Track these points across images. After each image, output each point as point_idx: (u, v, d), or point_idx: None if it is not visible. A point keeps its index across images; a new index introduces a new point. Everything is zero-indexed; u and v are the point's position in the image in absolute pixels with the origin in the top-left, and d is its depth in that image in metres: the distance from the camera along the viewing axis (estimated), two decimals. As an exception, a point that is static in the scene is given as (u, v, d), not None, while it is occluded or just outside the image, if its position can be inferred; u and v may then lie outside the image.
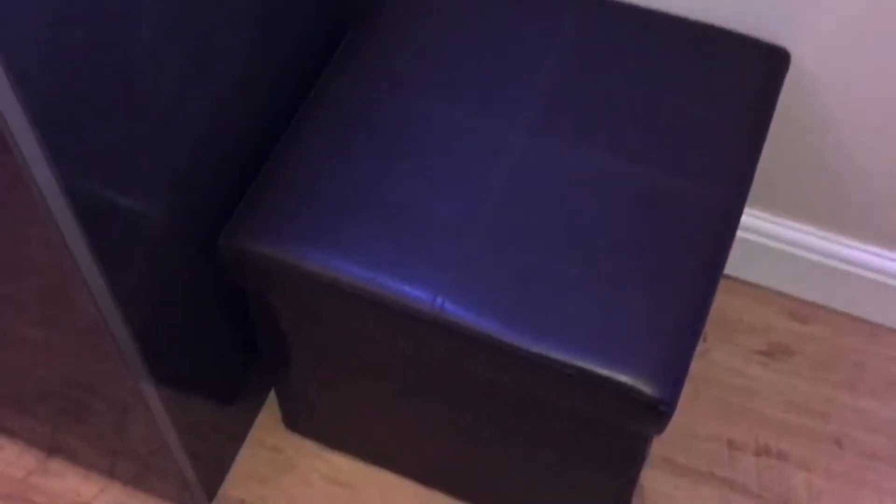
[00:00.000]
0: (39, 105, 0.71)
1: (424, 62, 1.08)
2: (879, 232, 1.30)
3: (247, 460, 1.30)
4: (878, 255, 1.33)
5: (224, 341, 1.17)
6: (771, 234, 1.36)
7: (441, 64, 1.08)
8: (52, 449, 1.29)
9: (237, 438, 1.30)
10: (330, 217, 0.98)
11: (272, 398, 1.33)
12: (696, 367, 1.37)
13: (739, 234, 1.35)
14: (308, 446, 1.31)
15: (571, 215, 0.98)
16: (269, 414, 1.33)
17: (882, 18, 1.07)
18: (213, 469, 1.26)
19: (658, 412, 0.91)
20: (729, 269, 1.42)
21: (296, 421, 1.30)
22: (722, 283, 1.41)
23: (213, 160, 0.99)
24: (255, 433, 1.32)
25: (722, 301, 1.41)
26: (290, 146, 1.03)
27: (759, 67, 1.10)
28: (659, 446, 1.31)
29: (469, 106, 1.05)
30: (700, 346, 1.38)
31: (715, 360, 1.38)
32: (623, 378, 0.91)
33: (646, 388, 0.91)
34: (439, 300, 0.94)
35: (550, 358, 0.92)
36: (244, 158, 1.04)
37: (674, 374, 0.92)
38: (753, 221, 1.35)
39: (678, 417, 1.33)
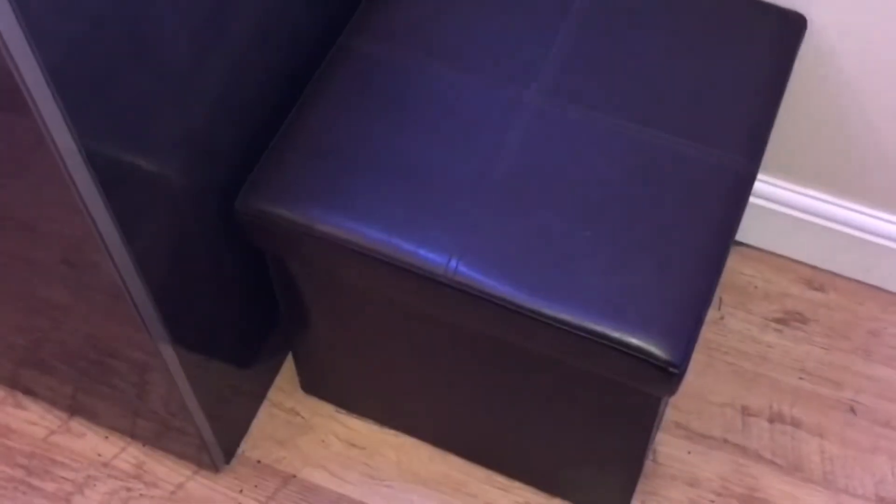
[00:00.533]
0: (57, 64, 0.72)
1: (442, 23, 1.08)
2: (895, 199, 1.30)
3: (264, 422, 1.32)
4: (894, 223, 1.33)
5: (242, 304, 1.18)
6: (788, 202, 1.36)
7: (458, 25, 1.08)
8: (74, 409, 1.31)
9: (255, 400, 1.32)
10: (346, 179, 0.99)
11: (290, 361, 1.35)
12: (710, 333, 1.37)
13: (757, 201, 1.35)
14: (325, 409, 1.33)
15: (585, 178, 0.99)
16: (287, 377, 1.35)
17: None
18: (231, 430, 1.28)
19: (669, 374, 0.92)
20: (745, 237, 1.42)
21: (313, 383, 1.32)
22: (738, 251, 1.42)
23: (232, 120, 1.00)
24: (272, 395, 1.34)
25: (738, 268, 1.42)
26: (307, 107, 1.04)
27: (775, 33, 1.10)
28: (673, 412, 1.32)
29: (485, 68, 1.05)
30: (715, 313, 1.39)
31: (730, 327, 1.38)
32: (634, 340, 0.92)
33: (657, 350, 0.92)
34: (453, 262, 0.95)
35: (562, 320, 0.93)
36: (263, 119, 1.05)
37: (685, 336, 0.93)
38: (771, 189, 1.35)
39: (692, 383, 1.34)
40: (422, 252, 0.95)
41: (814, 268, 1.41)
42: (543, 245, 0.96)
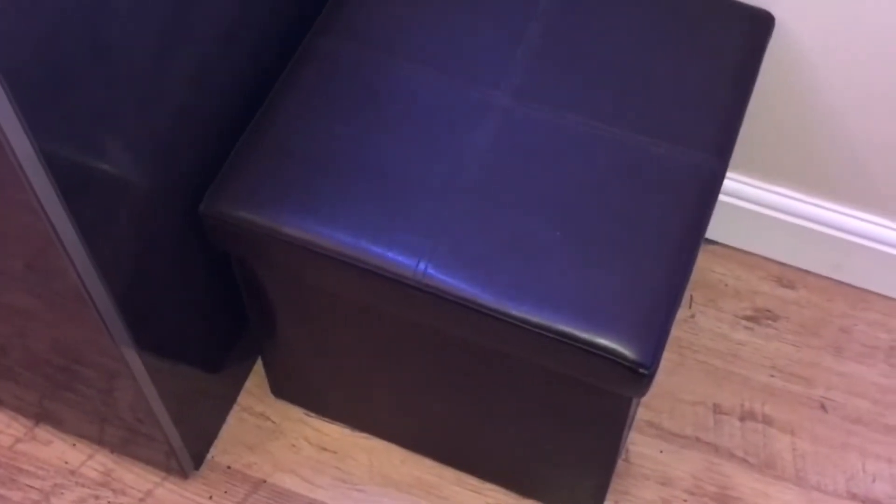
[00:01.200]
0: (12, 68, 0.70)
1: (409, 24, 1.07)
2: (864, 196, 1.30)
3: (234, 427, 1.31)
4: (864, 220, 1.33)
5: (210, 308, 1.17)
6: (757, 200, 1.36)
7: (425, 25, 1.07)
8: (40, 416, 1.29)
9: (224, 405, 1.30)
10: (312, 181, 0.98)
11: (259, 365, 1.34)
12: (681, 332, 1.37)
13: (726, 199, 1.35)
14: (295, 413, 1.32)
15: (555, 179, 0.98)
16: (257, 381, 1.33)
17: (866, -19, 1.07)
18: (200, 436, 1.26)
19: (639, 375, 0.91)
20: (715, 235, 1.42)
21: (283, 388, 1.30)
22: (708, 249, 1.42)
23: (196, 123, 0.99)
24: (242, 400, 1.33)
25: (708, 267, 1.42)
26: (272, 109, 1.03)
27: (743, 31, 1.10)
28: (644, 411, 1.32)
29: (453, 69, 1.04)
30: (686, 312, 1.39)
31: (701, 325, 1.38)
32: (603, 341, 0.92)
33: (626, 350, 0.91)
34: (422, 265, 0.94)
35: (531, 321, 0.92)
36: (228, 121, 1.03)
37: (654, 337, 0.92)
38: (740, 187, 1.35)
39: (664, 382, 1.34)
40: (390, 255, 0.95)
41: (784, 265, 1.41)
42: (513, 246, 0.95)
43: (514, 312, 0.92)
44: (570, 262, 0.94)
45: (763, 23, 1.11)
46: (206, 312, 1.17)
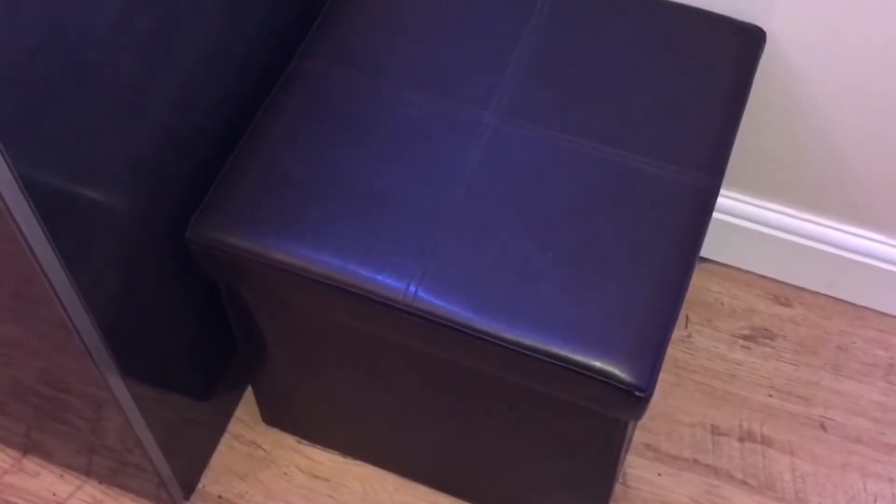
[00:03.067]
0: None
1: (395, 45, 1.06)
2: (860, 212, 1.29)
3: (224, 456, 1.29)
4: (859, 236, 1.31)
5: (198, 335, 1.15)
6: (752, 217, 1.34)
7: (412, 47, 1.06)
8: (27, 447, 1.27)
9: (214, 434, 1.28)
10: (299, 204, 0.97)
11: (250, 392, 1.32)
12: (678, 352, 1.35)
13: (721, 217, 1.34)
14: (286, 441, 1.29)
15: (545, 199, 0.97)
16: (247, 408, 1.31)
17: (857, -5, 1.06)
18: (190, 465, 1.24)
19: (635, 398, 0.90)
20: (711, 253, 1.40)
21: (273, 415, 1.28)
22: (704, 267, 1.40)
23: (180, 147, 0.97)
24: (232, 428, 1.30)
25: (704, 285, 1.40)
26: (258, 133, 1.01)
27: (734, 46, 1.08)
28: (642, 433, 1.30)
29: (441, 89, 1.03)
30: (682, 332, 1.37)
31: (697, 345, 1.36)
32: (598, 364, 0.90)
33: (622, 373, 0.89)
34: (412, 288, 0.92)
35: (524, 344, 0.90)
36: (214, 145, 1.02)
37: (650, 359, 0.90)
38: (735, 204, 1.33)
39: (661, 403, 1.32)
40: (379, 278, 0.93)
41: (780, 282, 1.40)
42: (504, 268, 0.93)
43: (507, 335, 0.91)
44: (562, 284, 0.93)
45: (754, 38, 1.10)
46: (193, 339, 1.15)
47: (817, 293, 1.39)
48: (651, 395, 0.90)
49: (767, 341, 1.37)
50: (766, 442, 1.30)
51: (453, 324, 0.91)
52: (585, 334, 0.91)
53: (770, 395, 1.33)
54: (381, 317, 0.94)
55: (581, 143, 1.00)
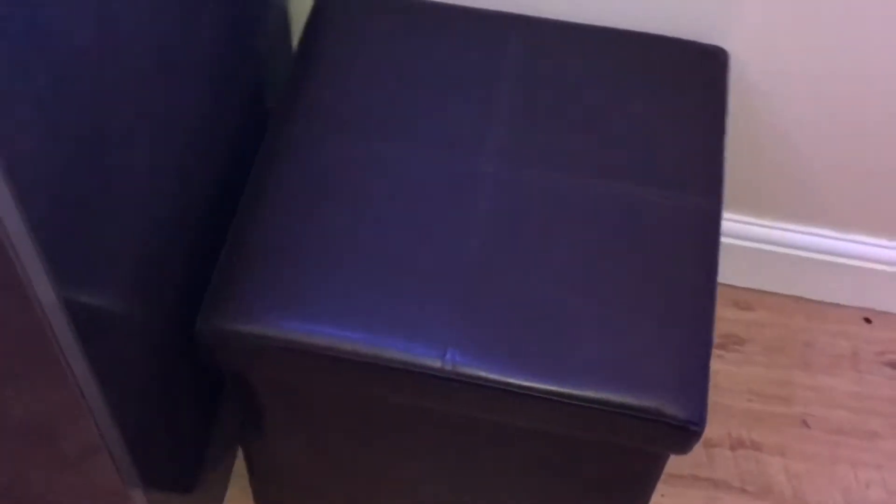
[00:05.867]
0: (38, 214, 0.63)
1: (373, 102, 1.03)
2: (812, 211, 1.32)
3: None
4: (812, 234, 1.35)
5: (202, 430, 1.09)
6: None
7: (391, 102, 1.03)
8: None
9: (208, 524, 1.22)
10: (311, 280, 0.92)
11: (236, 476, 1.25)
12: (656, 370, 1.36)
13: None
14: (284, 519, 1.24)
15: (559, 242, 0.95)
16: (237, 491, 1.25)
17: (805, 4, 1.08)
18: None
19: (690, 433, 0.89)
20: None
21: (268, 494, 1.22)
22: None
23: (178, 238, 0.92)
24: (226, 513, 1.24)
25: (666, 300, 1.41)
26: (251, 209, 0.96)
27: (702, 68, 1.09)
28: (637, 457, 1.30)
29: (430, 141, 1.00)
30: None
31: (672, 360, 1.37)
32: (650, 404, 0.89)
33: (675, 411, 0.89)
34: (449, 354, 0.89)
35: (575, 395, 0.89)
36: (205, 229, 0.97)
37: (698, 391, 0.90)
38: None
39: (650, 424, 1.32)
40: (414, 348, 0.89)
41: (740, 288, 1.42)
42: (535, 318, 0.91)
43: (555, 388, 0.89)
44: (597, 327, 0.91)
45: (718, 58, 1.11)
46: (197, 435, 1.08)
47: (777, 294, 1.42)
48: (704, 427, 0.90)
49: (737, 347, 1.39)
50: (756, 447, 1.32)
51: (499, 385, 0.89)
52: (632, 376, 0.89)
53: (750, 400, 1.35)
54: (417, 388, 0.91)
55: (580, 181, 0.99)
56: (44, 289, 0.66)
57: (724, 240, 1.34)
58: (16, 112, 0.59)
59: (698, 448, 1.30)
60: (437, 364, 0.89)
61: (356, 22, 1.09)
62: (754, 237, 1.36)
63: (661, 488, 1.28)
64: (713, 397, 1.33)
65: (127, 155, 0.76)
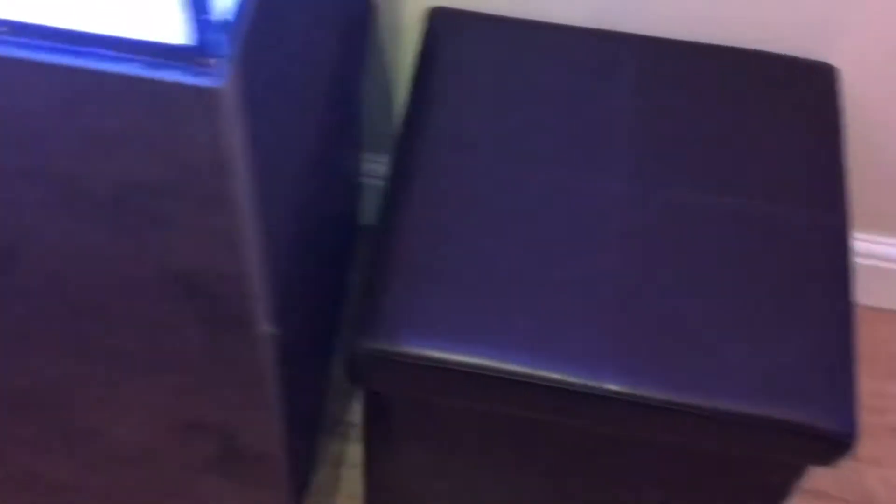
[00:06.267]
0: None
1: (501, 124, 1.04)
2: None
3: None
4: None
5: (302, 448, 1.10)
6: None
7: (511, 120, 1.05)
8: None
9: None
10: (468, 303, 0.94)
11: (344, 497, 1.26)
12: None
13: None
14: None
15: (696, 257, 0.97)
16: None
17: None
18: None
19: (842, 446, 0.91)
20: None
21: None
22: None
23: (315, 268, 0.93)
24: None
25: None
26: (390, 234, 0.97)
27: (812, 84, 1.11)
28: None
29: (556, 162, 1.02)
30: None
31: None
32: (803, 418, 0.90)
33: (828, 425, 0.90)
34: (608, 373, 0.91)
35: (725, 410, 0.90)
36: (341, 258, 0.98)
37: (849, 404, 0.92)
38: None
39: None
40: (571, 367, 0.91)
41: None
42: (685, 333, 0.93)
43: (707, 405, 0.90)
44: (742, 341, 0.93)
45: (827, 74, 1.13)
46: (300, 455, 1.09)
47: (865, 306, 1.44)
48: (857, 440, 0.91)
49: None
50: (853, 457, 1.33)
51: (658, 403, 0.90)
52: (783, 391, 0.91)
53: (844, 411, 1.37)
54: (575, 407, 0.92)
55: (710, 198, 1.01)
56: (263, 326, 0.67)
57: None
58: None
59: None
60: (594, 383, 0.91)
61: (471, 45, 1.11)
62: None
63: None
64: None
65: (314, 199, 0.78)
